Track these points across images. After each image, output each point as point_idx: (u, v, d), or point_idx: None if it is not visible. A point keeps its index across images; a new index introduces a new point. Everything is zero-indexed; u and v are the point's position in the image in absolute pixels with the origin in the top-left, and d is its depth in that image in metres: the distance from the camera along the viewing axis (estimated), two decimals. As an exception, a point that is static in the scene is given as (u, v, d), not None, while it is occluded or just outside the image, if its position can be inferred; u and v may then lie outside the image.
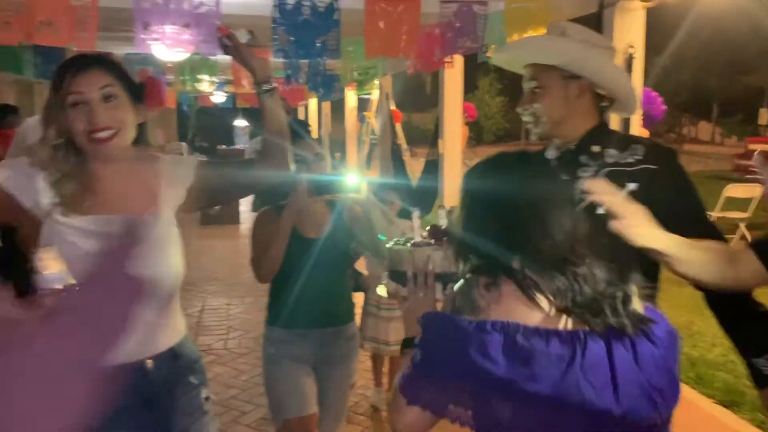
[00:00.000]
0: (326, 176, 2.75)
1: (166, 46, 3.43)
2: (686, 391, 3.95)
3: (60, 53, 5.53)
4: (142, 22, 3.20)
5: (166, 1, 3.25)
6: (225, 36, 1.98)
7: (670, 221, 1.63)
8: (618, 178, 1.70)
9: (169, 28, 3.38)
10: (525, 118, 1.87)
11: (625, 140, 1.82)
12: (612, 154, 1.75)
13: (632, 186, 1.57)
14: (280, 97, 2.07)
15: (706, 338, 4.86)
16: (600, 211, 1.68)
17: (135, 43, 3.33)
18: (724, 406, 3.80)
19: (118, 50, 6.50)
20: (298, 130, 2.52)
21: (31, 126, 4.02)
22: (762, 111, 27.39)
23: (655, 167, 1.73)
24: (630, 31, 3.52)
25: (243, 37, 2.22)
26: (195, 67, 6.62)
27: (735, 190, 8.41)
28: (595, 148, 1.79)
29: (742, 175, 16.44)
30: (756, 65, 27.56)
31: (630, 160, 1.76)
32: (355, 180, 2.54)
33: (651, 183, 1.72)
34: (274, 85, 2.02)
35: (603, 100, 1.81)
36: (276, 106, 2.03)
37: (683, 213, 1.70)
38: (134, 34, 3.34)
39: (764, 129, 27.99)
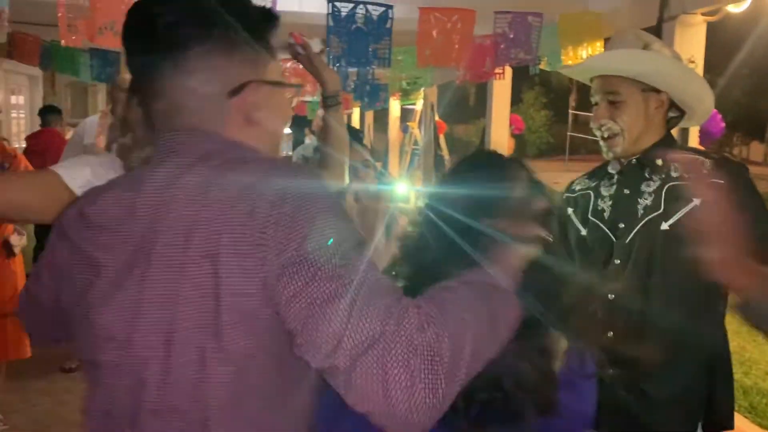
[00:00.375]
0: (377, 185, 2.74)
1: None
2: (739, 421, 3.79)
3: (115, 56, 5.68)
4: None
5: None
6: (299, 44, 1.93)
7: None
8: (682, 193, 1.63)
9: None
10: (599, 133, 1.77)
11: (692, 153, 1.75)
12: (677, 167, 1.67)
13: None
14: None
15: (759, 366, 4.67)
16: (665, 226, 1.62)
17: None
18: (779, 438, 3.64)
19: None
20: (350, 137, 2.51)
21: (88, 125, 4.15)
22: (819, 132, 26.49)
23: (722, 182, 1.62)
24: (691, 45, 3.43)
25: (317, 46, 2.19)
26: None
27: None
28: (659, 161, 1.71)
29: (796, 197, 15.87)
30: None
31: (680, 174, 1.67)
32: (405, 189, 2.49)
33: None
34: (341, 99, 1.99)
35: (673, 111, 1.73)
36: (340, 119, 2.00)
37: (752, 234, 1.59)
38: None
39: (820, 151, 27.05)
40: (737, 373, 4.22)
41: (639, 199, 1.71)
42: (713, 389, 1.66)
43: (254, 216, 0.78)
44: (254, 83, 0.91)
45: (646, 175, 1.70)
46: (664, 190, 1.67)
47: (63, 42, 2.99)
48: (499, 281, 0.83)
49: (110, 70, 6.27)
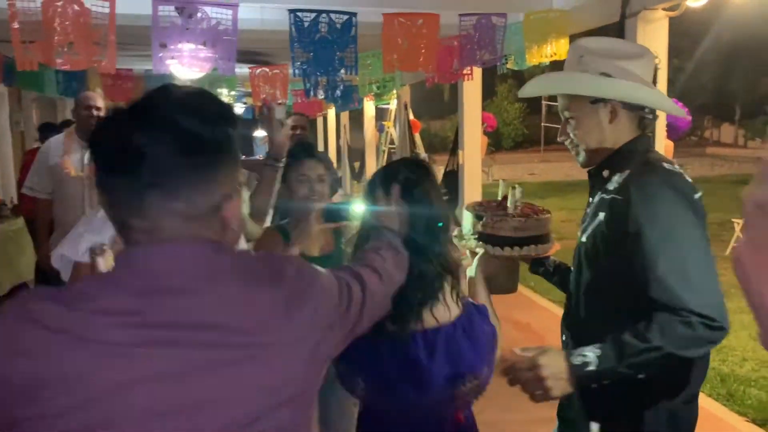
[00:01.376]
0: (336, 204, 2.73)
1: (184, 64, 3.44)
2: (716, 409, 3.84)
3: (81, 71, 5.60)
4: (159, 43, 3.21)
5: (184, 21, 3.25)
6: (266, 106, 2.36)
7: (612, 268, 1.58)
8: (601, 209, 1.64)
9: (186, 47, 3.39)
10: (567, 146, 1.78)
11: (625, 162, 1.64)
12: (615, 179, 1.63)
13: None
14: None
15: (735, 353, 4.73)
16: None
17: (153, 63, 3.33)
18: (757, 425, 3.69)
19: (138, 67, 6.58)
20: (305, 154, 2.52)
21: (53, 145, 4.06)
22: (787, 113, 26.97)
23: (620, 198, 1.57)
24: (653, 40, 3.45)
25: (280, 113, 2.56)
26: (214, 81, 6.67)
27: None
28: (605, 173, 1.69)
29: (767, 178, 16.09)
30: (780, 66, 27.19)
31: (612, 187, 1.62)
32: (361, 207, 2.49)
33: (611, 217, 1.59)
34: (281, 165, 2.34)
35: (644, 111, 1.66)
36: (273, 179, 2.34)
37: (629, 260, 1.50)
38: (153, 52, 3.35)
39: (789, 131, 27.53)
40: (714, 361, 4.28)
41: (588, 210, 1.73)
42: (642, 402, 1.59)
43: None
44: (232, 198, 0.97)
45: (604, 175, 1.70)
46: (595, 202, 1.68)
47: (19, 66, 2.94)
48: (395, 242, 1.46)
49: (77, 84, 6.19)
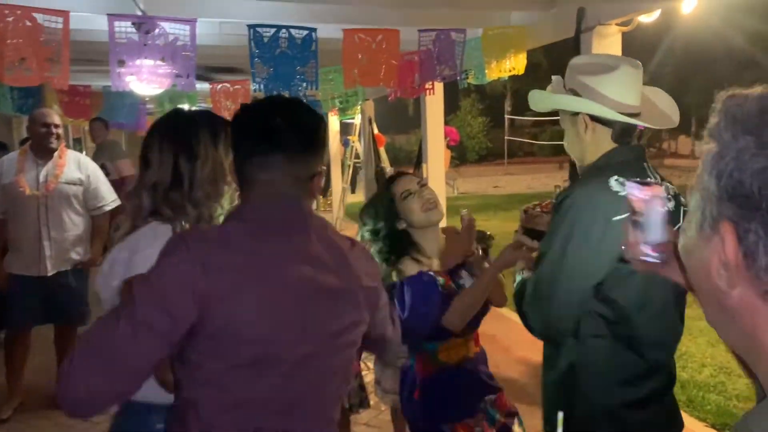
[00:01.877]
0: None
1: (142, 81, 3.40)
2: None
3: (36, 87, 5.48)
4: (117, 59, 3.16)
5: (142, 36, 3.21)
6: None
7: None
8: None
9: (145, 63, 3.35)
10: None
11: (593, 174, 1.73)
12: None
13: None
14: None
15: (695, 359, 4.82)
16: None
17: (111, 80, 3.29)
18: (716, 429, 3.76)
19: (96, 83, 6.48)
20: None
21: (6, 164, 3.95)
22: (740, 124, 27.80)
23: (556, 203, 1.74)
24: (608, 53, 3.55)
25: None
26: (174, 96, 6.59)
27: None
28: (565, 184, 1.81)
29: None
30: (731, 81, 27.85)
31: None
32: None
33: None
34: None
35: (613, 124, 1.73)
36: None
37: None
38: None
39: (743, 142, 28.35)
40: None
41: None
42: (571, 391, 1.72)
43: None
44: (318, 174, 1.38)
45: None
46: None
47: (-33, 83, 2.87)
48: None
49: (33, 101, 6.06)
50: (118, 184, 4.50)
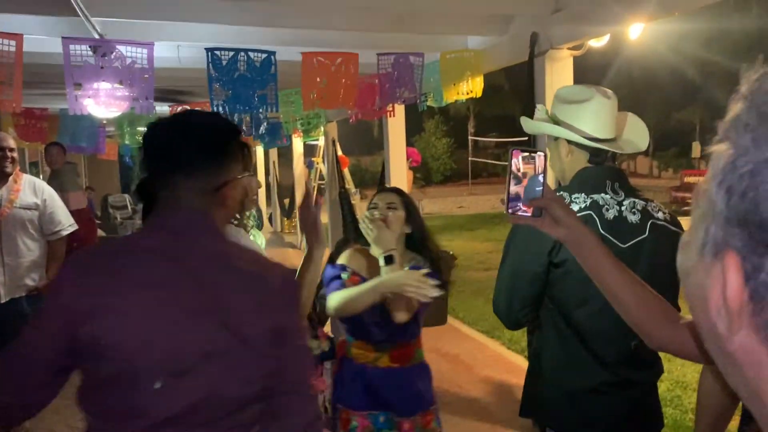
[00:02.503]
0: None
1: (100, 104, 3.37)
2: (636, 429, 3.97)
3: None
4: (73, 82, 3.14)
5: (98, 59, 3.20)
6: None
7: None
8: None
9: (102, 87, 3.33)
10: None
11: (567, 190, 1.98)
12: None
13: None
14: None
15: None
16: None
17: (68, 103, 3.26)
18: (673, 442, 3.84)
19: (53, 105, 6.39)
20: None
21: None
22: (694, 144, 28.72)
23: None
24: (560, 77, 3.66)
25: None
26: (134, 119, 6.54)
27: (673, 223, 8.69)
28: None
29: (680, 206, 17.10)
30: (687, 102, 29.00)
31: None
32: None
33: None
34: None
35: (589, 148, 1.93)
36: None
37: None
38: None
39: (698, 161, 29.32)
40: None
41: None
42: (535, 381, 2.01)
43: None
44: (230, 184, 1.38)
45: None
46: None
47: None
48: None
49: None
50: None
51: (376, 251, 2.25)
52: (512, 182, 1.18)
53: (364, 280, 2.30)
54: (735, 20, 19.53)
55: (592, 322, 1.82)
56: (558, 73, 3.67)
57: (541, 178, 1.17)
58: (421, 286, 2.04)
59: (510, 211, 1.19)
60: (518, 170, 1.17)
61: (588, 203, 1.85)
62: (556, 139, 1.98)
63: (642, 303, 1.20)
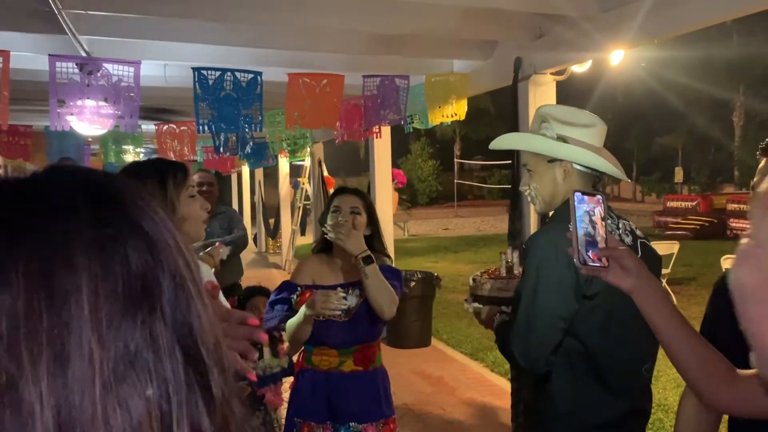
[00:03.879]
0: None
1: (84, 121, 3.37)
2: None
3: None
4: (57, 99, 3.14)
5: (84, 77, 3.20)
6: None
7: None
8: None
9: (87, 104, 3.33)
10: (526, 194, 2.00)
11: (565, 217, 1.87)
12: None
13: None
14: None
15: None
16: None
17: (50, 119, 3.25)
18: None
19: (37, 123, 6.36)
20: None
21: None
22: (677, 170, 29.11)
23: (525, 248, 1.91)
24: (542, 101, 3.72)
25: (224, 254, 2.80)
26: (119, 137, 6.53)
27: (656, 248, 8.75)
28: (550, 214, 1.94)
29: (662, 230, 17.26)
30: (670, 128, 29.45)
31: None
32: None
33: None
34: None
35: (593, 171, 1.89)
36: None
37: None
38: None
39: (680, 186, 29.70)
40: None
41: None
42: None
43: None
44: None
45: (546, 221, 1.92)
46: None
47: None
48: None
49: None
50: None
51: (351, 254, 2.31)
52: (580, 229, 1.12)
53: (318, 288, 2.35)
54: (716, 47, 19.97)
55: (610, 353, 1.76)
56: (541, 97, 3.73)
57: (604, 222, 1.13)
58: (330, 301, 2.15)
59: (582, 260, 1.12)
60: (585, 215, 1.13)
61: (616, 237, 1.75)
62: (552, 161, 1.88)
63: (702, 361, 1.14)
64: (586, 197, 1.13)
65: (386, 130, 5.40)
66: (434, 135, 30.67)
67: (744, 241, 0.60)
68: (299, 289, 2.39)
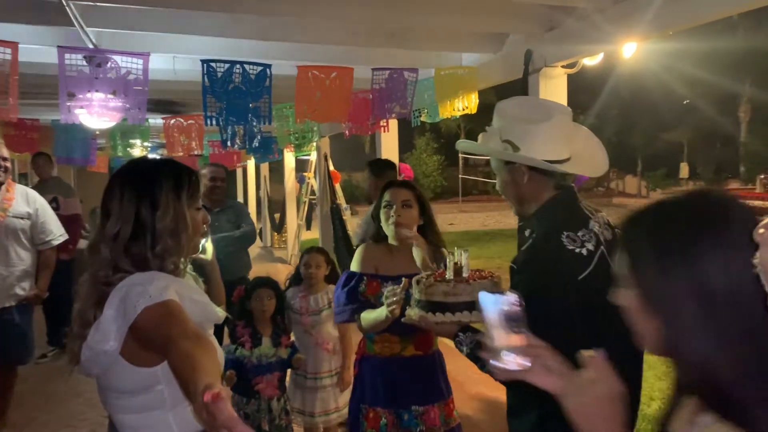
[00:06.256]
0: None
1: (93, 114, 3.36)
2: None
3: (-18, 120, 5.35)
4: (67, 92, 3.13)
5: (93, 69, 3.19)
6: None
7: None
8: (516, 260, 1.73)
9: (95, 97, 3.32)
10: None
11: (541, 224, 1.73)
12: (528, 243, 1.72)
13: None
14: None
15: (644, 392, 4.87)
16: None
17: (60, 112, 3.24)
18: (665, 461, 3.81)
19: (44, 116, 6.36)
20: None
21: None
22: (682, 165, 29.02)
23: (513, 266, 1.70)
24: (554, 95, 3.69)
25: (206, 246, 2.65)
26: (126, 131, 6.51)
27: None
28: (527, 233, 1.78)
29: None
30: (675, 123, 29.31)
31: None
32: (203, 242, 2.62)
33: (510, 284, 1.70)
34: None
35: (550, 172, 1.74)
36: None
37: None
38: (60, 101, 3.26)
39: (685, 182, 29.59)
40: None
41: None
42: None
43: None
44: None
45: (526, 234, 1.78)
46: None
47: None
48: None
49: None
50: (64, 221, 4.37)
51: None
52: (494, 329, 1.06)
53: (383, 279, 2.41)
54: (722, 41, 19.84)
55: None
56: (552, 90, 3.70)
57: (520, 320, 1.07)
58: (392, 304, 2.12)
59: (499, 365, 1.05)
60: (499, 314, 1.07)
61: (595, 240, 1.67)
62: (509, 163, 1.76)
63: None
64: (495, 295, 1.07)
65: (393, 124, 5.37)
66: (439, 130, 30.62)
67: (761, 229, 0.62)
68: (365, 278, 2.46)
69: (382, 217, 2.49)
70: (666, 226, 0.91)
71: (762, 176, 20.47)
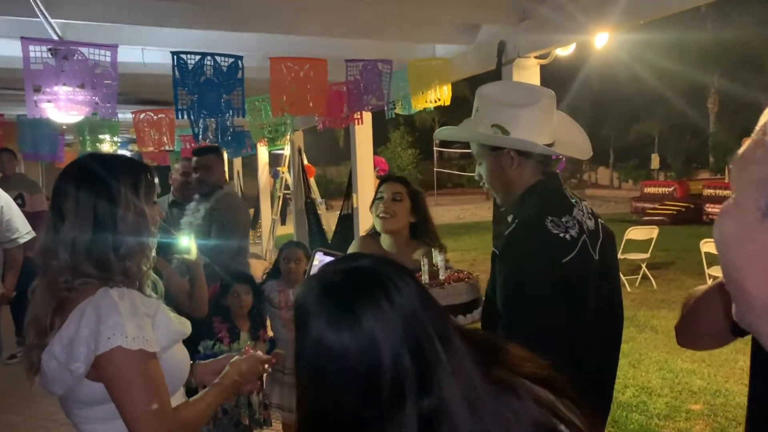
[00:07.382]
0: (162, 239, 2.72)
1: (60, 108, 3.27)
2: (603, 435, 3.99)
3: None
4: (32, 85, 3.04)
5: (59, 62, 3.11)
6: None
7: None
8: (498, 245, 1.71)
9: (62, 90, 3.23)
10: (483, 187, 1.88)
11: (524, 209, 1.71)
12: (511, 227, 1.69)
13: None
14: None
15: (618, 380, 4.96)
16: None
17: (27, 107, 3.15)
18: (640, 447, 3.87)
19: (9, 112, 6.20)
20: None
21: None
22: (654, 156, 29.41)
23: (496, 252, 1.70)
24: (527, 86, 3.70)
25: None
26: (95, 126, 6.37)
27: (635, 233, 8.85)
28: (509, 218, 1.76)
29: (640, 216, 17.44)
30: (646, 115, 29.70)
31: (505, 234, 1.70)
32: (187, 242, 2.56)
33: (492, 268, 1.70)
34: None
35: (538, 156, 1.73)
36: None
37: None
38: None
39: (656, 173, 30.02)
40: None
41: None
42: None
43: None
44: None
45: (509, 220, 1.75)
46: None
47: None
48: None
49: None
50: (31, 218, 4.26)
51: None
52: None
53: None
54: (690, 33, 20.13)
55: (587, 356, 1.64)
56: (525, 81, 3.70)
57: None
58: None
59: None
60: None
61: (578, 227, 1.66)
62: (496, 149, 1.73)
63: None
64: (327, 257, 1.06)
65: (367, 117, 5.34)
66: (413, 124, 30.62)
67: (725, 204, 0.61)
68: None
69: (373, 210, 2.59)
70: None
71: (731, 166, 20.84)
